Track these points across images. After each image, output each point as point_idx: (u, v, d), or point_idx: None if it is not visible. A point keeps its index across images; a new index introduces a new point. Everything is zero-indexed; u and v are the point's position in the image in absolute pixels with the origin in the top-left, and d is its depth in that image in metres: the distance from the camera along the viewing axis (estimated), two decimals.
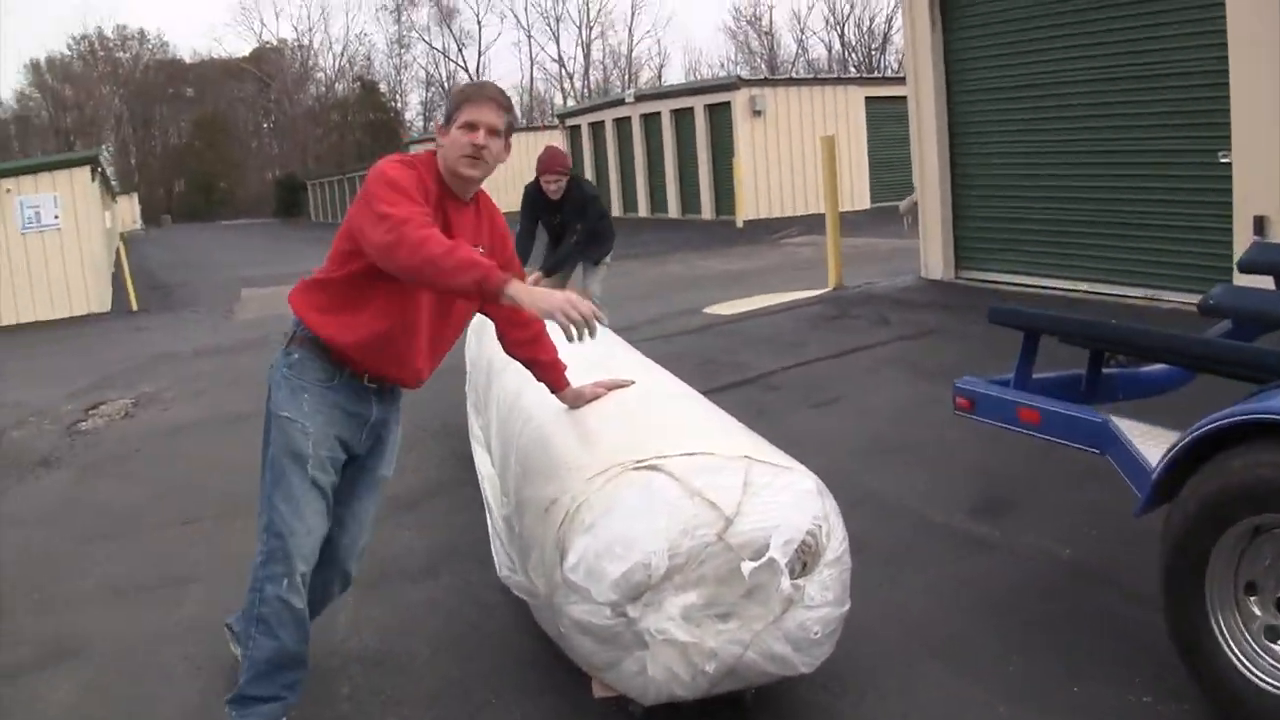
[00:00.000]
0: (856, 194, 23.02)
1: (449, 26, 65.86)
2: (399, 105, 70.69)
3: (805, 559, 2.60)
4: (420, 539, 4.49)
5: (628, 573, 2.49)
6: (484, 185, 2.98)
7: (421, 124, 65.71)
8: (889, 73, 39.77)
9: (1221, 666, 2.53)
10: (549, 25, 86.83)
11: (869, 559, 3.70)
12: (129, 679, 3.41)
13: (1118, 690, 2.83)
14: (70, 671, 3.49)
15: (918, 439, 5.30)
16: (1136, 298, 8.09)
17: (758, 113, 23.11)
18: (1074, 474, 4.22)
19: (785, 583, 2.53)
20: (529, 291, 2.59)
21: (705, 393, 3.67)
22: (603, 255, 7.08)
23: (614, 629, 2.53)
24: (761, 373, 7.13)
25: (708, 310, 10.36)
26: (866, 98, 24.22)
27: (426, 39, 73.93)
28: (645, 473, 2.62)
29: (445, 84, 66.07)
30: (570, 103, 54.88)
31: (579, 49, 70.75)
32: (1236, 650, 2.52)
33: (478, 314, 3.13)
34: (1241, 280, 3.86)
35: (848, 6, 75.37)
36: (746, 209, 22.41)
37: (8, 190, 15.45)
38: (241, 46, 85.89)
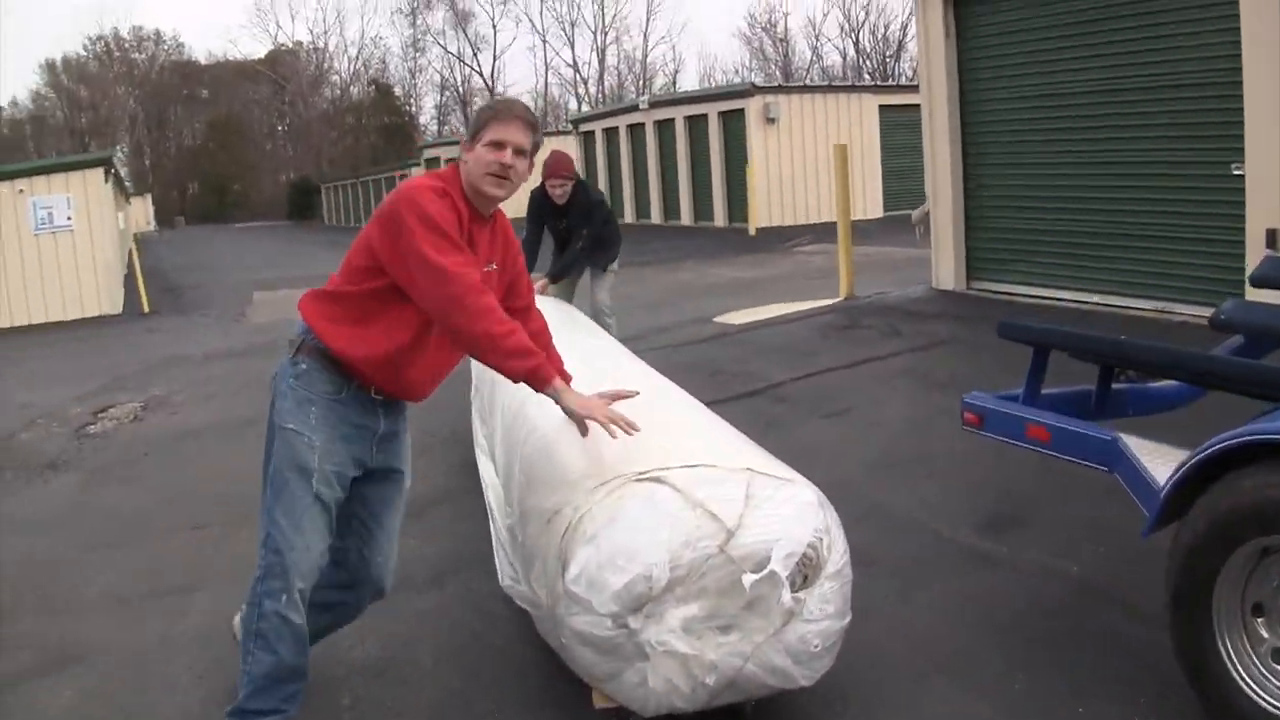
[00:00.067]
0: (869, 203, 23.04)
1: (464, 30, 65.98)
2: (413, 109, 71.07)
3: (806, 571, 2.60)
4: (426, 547, 4.48)
5: (629, 584, 2.49)
6: None
7: (435, 128, 66.07)
8: (904, 80, 39.84)
9: (1228, 688, 2.51)
10: (564, 30, 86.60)
11: (876, 573, 3.70)
12: (131, 687, 3.40)
13: (1122, 709, 2.81)
14: (72, 678, 3.48)
15: (927, 451, 5.28)
16: (1148, 310, 8.04)
17: (771, 120, 23.12)
18: (1082, 490, 4.18)
19: (786, 595, 2.53)
20: (573, 396, 2.81)
21: (715, 403, 3.67)
22: (609, 261, 7.04)
23: (615, 640, 2.53)
24: (772, 383, 7.11)
25: (718, 319, 10.34)
26: (880, 106, 24.24)
27: (441, 43, 74.63)
28: (648, 484, 2.63)
29: (460, 88, 66.49)
30: (584, 108, 55.09)
31: (594, 54, 70.77)
32: (1243, 672, 2.50)
33: None
34: (1253, 295, 3.84)
35: (863, 14, 75.58)
36: (759, 216, 22.40)
37: (21, 191, 15.52)
38: (257, 49, 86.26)
